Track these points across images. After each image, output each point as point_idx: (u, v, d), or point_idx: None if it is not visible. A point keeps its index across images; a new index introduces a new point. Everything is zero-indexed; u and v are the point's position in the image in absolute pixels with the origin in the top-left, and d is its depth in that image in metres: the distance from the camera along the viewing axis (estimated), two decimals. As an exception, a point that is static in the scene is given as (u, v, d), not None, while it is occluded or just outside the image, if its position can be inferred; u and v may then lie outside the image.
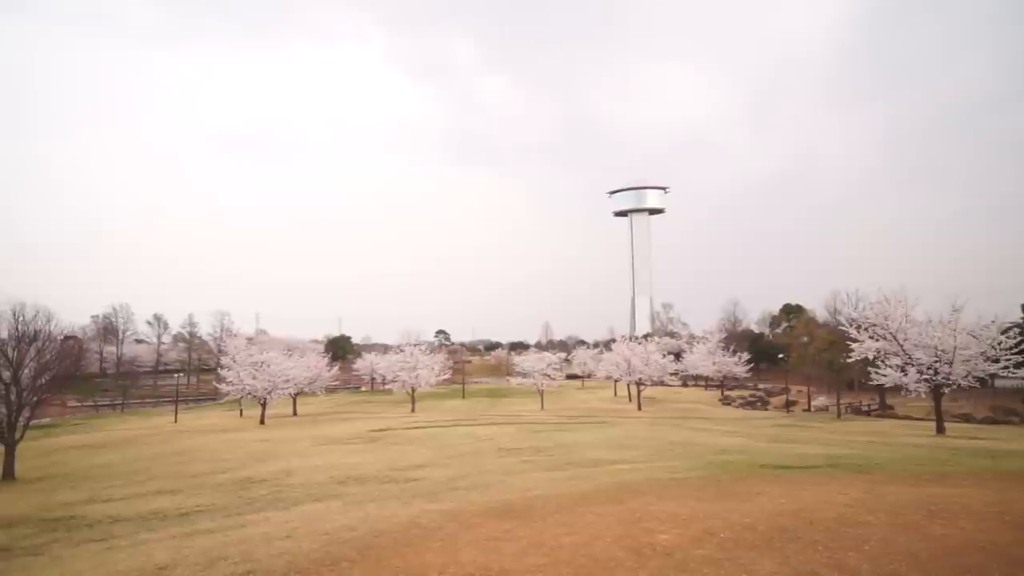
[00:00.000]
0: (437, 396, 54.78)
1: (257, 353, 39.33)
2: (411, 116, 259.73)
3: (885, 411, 40.97)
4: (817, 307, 70.07)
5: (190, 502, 11.41)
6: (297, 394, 41.47)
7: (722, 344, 58.60)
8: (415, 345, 49.14)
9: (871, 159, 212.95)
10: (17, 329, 19.45)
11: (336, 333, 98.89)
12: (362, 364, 66.05)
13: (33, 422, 20.97)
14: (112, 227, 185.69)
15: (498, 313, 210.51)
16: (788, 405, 45.72)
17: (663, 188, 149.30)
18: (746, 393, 56.02)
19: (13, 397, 18.46)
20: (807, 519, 6.02)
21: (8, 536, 9.75)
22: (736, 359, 55.59)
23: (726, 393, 56.05)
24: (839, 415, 38.21)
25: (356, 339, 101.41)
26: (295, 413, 40.93)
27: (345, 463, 15.61)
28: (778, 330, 77.38)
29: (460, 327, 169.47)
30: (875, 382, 26.05)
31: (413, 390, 44.41)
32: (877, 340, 24.57)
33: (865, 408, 42.55)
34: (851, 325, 26.55)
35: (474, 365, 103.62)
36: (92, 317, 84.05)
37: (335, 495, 10.55)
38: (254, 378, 35.89)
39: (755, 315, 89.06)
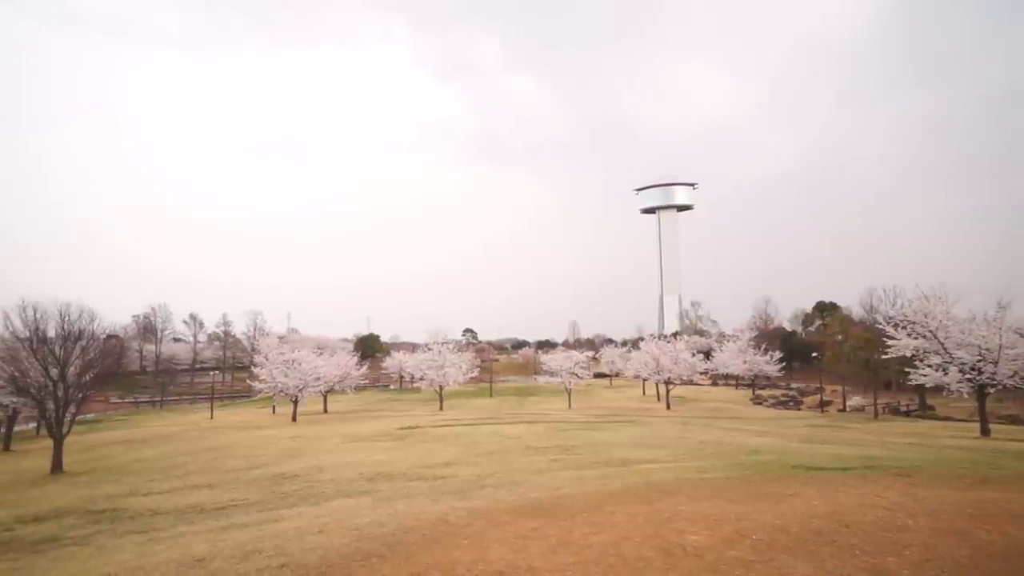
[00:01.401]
0: (465, 394, 55.08)
1: (289, 352, 40.12)
2: (437, 116, 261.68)
3: (925, 412, 39.63)
4: (852, 304, 68.36)
5: (225, 497, 11.71)
6: (328, 392, 42.17)
7: (753, 342, 57.49)
8: (443, 344, 49.49)
9: (907, 152, 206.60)
10: (63, 328, 20.23)
11: (365, 332, 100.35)
12: (391, 362, 66.84)
13: (79, 418, 21.83)
14: (150, 229, 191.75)
15: (525, 312, 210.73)
16: (822, 405, 44.62)
17: (691, 184, 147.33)
18: (778, 392, 54.87)
19: (60, 393, 19.23)
20: (843, 522, 5.87)
21: (58, 526, 10.16)
22: (768, 358, 54.47)
23: (757, 392, 55.00)
24: (876, 415, 37.13)
25: (385, 338, 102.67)
26: (326, 410, 41.65)
27: (374, 460, 15.81)
28: (811, 328, 75.64)
29: (487, 326, 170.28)
30: (914, 382, 25.22)
31: (441, 388, 44.73)
32: (916, 338, 23.78)
33: (904, 408, 41.23)
34: (888, 323, 25.76)
35: (501, 364, 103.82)
36: (133, 317, 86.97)
37: (365, 492, 10.70)
38: (286, 376, 36.61)
39: (787, 313, 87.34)
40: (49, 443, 19.53)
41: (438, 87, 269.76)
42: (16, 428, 30.49)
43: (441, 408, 41.92)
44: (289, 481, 13.24)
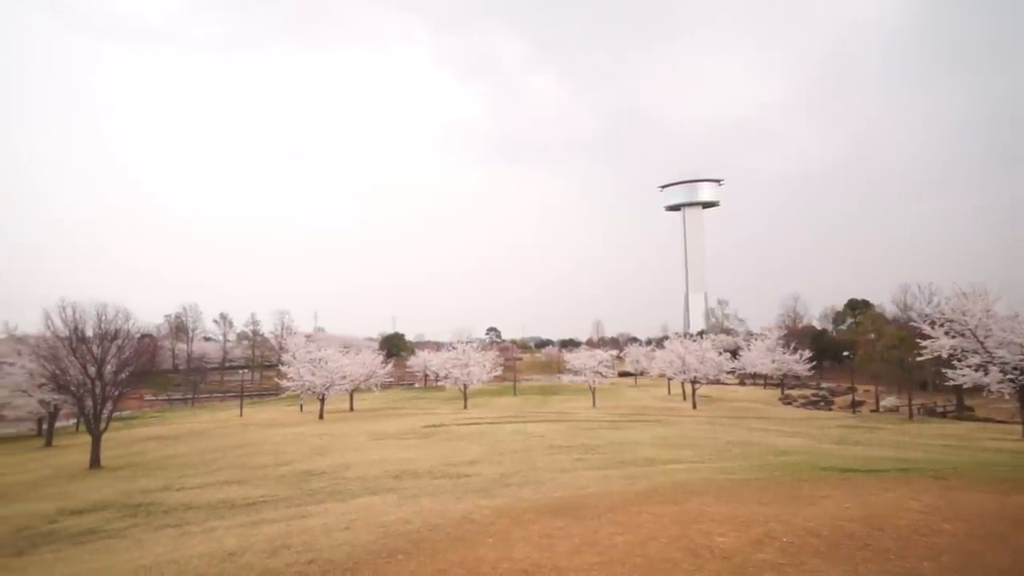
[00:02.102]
0: (489, 393, 55.24)
1: (315, 350, 40.74)
2: (459, 116, 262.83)
3: (963, 413, 38.37)
4: (885, 302, 66.59)
5: (255, 492, 11.96)
6: (353, 390, 42.69)
7: (782, 341, 56.39)
8: (467, 342, 49.68)
9: (942, 146, 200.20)
10: (100, 328, 20.91)
11: (390, 331, 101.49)
12: (415, 361, 67.38)
13: (115, 415, 22.52)
14: (181, 231, 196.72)
15: (549, 310, 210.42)
16: (854, 405, 43.53)
17: (717, 181, 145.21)
18: (808, 392, 53.72)
19: (98, 391, 19.89)
20: (876, 525, 5.72)
21: (97, 519, 10.51)
22: (797, 357, 53.36)
23: (786, 392, 53.93)
24: (911, 416, 36.09)
25: (409, 337, 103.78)
26: (352, 409, 42.19)
27: (400, 458, 15.97)
28: (842, 326, 73.97)
29: (511, 324, 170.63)
30: (952, 382, 24.45)
31: (465, 387, 44.92)
32: (954, 337, 23.05)
33: (940, 409, 39.99)
34: (924, 321, 25.02)
35: (525, 362, 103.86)
36: (165, 316, 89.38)
37: (390, 489, 10.81)
38: (313, 374, 37.18)
39: (817, 311, 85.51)
40: (88, 439, 20.19)
41: (460, 87, 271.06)
42: (57, 425, 31.61)
43: (465, 406, 42.11)
44: (316, 478, 13.46)
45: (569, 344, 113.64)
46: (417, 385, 74.10)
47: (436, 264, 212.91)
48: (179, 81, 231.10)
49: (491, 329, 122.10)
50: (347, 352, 43.65)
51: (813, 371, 55.53)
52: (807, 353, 53.65)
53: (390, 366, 49.39)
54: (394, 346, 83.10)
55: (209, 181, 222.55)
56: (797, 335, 63.95)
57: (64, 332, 20.81)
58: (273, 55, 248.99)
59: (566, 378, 49.13)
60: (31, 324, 23.98)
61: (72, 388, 20.57)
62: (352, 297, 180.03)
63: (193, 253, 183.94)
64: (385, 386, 54.11)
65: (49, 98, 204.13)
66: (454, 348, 48.72)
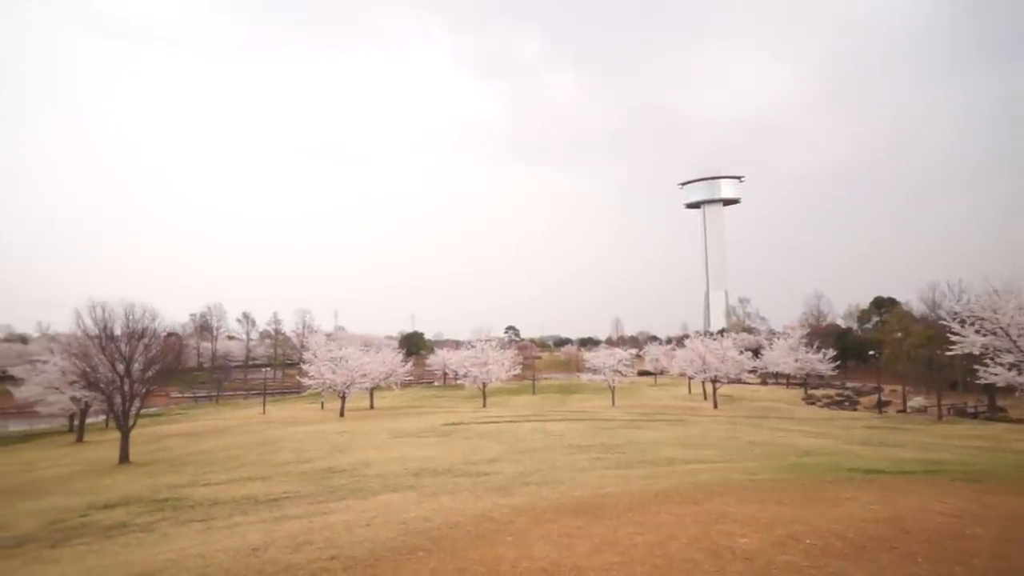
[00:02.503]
0: (508, 391, 55.30)
1: (336, 349, 41.21)
2: (476, 115, 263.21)
3: (995, 414, 37.31)
4: (912, 300, 65.09)
5: (278, 489, 12.14)
6: (374, 388, 43.08)
7: (805, 340, 55.42)
8: (486, 341, 49.80)
9: (972, 140, 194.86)
10: (128, 326, 21.41)
11: (409, 330, 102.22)
12: (435, 360, 67.71)
13: (143, 411, 23.04)
14: (201, 230, 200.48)
15: (568, 309, 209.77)
16: (880, 405, 42.65)
17: (738, 177, 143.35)
18: (832, 392, 52.71)
19: (126, 388, 20.37)
20: (903, 528, 5.60)
21: (126, 513, 10.78)
22: (820, 356, 52.40)
23: (810, 392, 53.00)
24: (940, 417, 35.23)
25: (429, 335, 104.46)
26: (372, 406, 42.58)
27: (419, 456, 16.08)
28: (868, 325, 72.47)
29: (529, 323, 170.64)
30: (983, 381, 23.78)
31: (484, 385, 45.03)
32: (985, 335, 22.41)
33: (971, 410, 38.95)
34: (953, 319, 24.38)
35: (544, 361, 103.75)
36: (190, 315, 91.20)
37: (410, 487, 10.89)
38: (333, 372, 37.60)
39: (841, 309, 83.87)
40: (117, 435, 20.70)
41: (477, 86, 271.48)
42: (88, 421, 32.46)
43: (484, 405, 42.21)
44: (337, 475, 13.61)
45: (588, 343, 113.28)
46: (436, 383, 74.47)
47: (455, 263, 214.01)
48: (205, 85, 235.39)
49: (510, 328, 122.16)
50: (367, 351, 44.08)
51: (837, 370, 54.45)
52: (831, 352, 52.68)
53: (409, 364, 49.75)
54: (413, 344, 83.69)
55: (232, 184, 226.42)
56: (821, 334, 62.80)
57: (94, 331, 21.35)
58: (292, 58, 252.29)
59: (585, 377, 48.96)
60: (63, 323, 24.76)
61: (102, 385, 21.11)
62: (371, 296, 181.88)
63: (216, 255, 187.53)
64: (404, 384, 54.43)
65: (78, 105, 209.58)
66: (473, 347, 48.89)
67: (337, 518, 7.66)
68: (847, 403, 47.00)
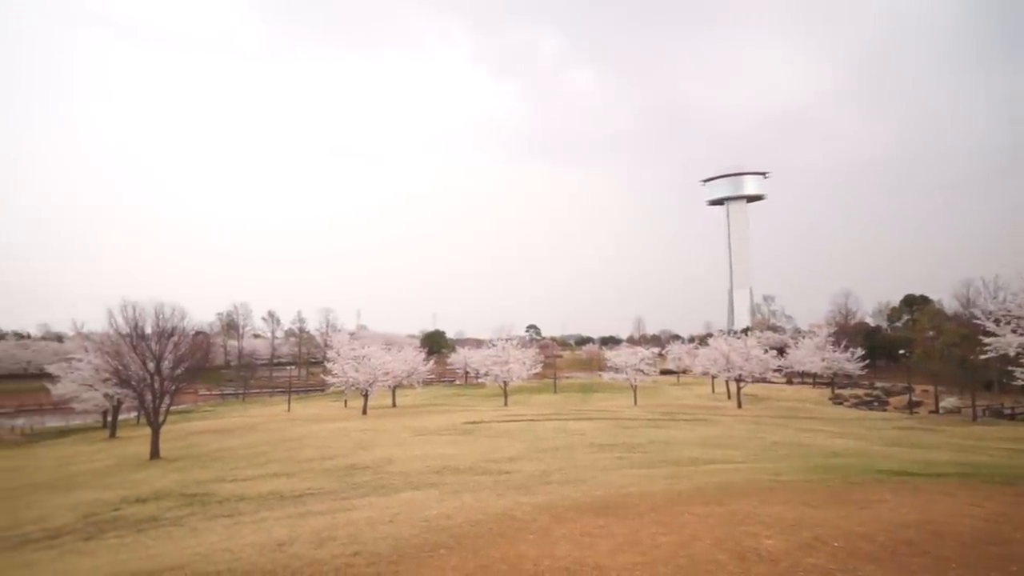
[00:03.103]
0: (529, 390, 55.29)
1: (359, 347, 41.60)
2: (498, 114, 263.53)
3: (1032, 415, 36.11)
4: (945, 297, 63.31)
5: (302, 485, 12.32)
6: (396, 386, 43.42)
7: (832, 338, 54.28)
8: (507, 340, 49.83)
9: (1003, 134, 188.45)
10: (158, 325, 21.93)
11: (431, 328, 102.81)
12: (456, 358, 67.97)
13: (172, 408, 23.58)
14: (228, 231, 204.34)
15: (589, 307, 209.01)
16: (911, 406, 41.58)
17: (762, 173, 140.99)
18: (860, 392, 51.55)
19: (156, 386, 20.87)
20: (935, 532, 5.44)
21: (157, 507, 11.05)
22: (848, 355, 51.27)
23: (837, 392, 51.90)
24: (975, 418, 34.20)
25: (450, 334, 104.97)
26: (394, 404, 42.94)
27: (441, 454, 16.16)
28: (898, 323, 70.79)
29: (551, 322, 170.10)
30: (1020, 381, 23.03)
31: (505, 384, 45.09)
32: (1022, 335, 21.71)
33: (1008, 411, 37.72)
34: (988, 318, 23.65)
35: (565, 360, 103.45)
36: (217, 314, 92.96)
37: (432, 484, 10.96)
38: (356, 371, 37.97)
39: (870, 307, 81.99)
40: (148, 431, 21.22)
41: (498, 85, 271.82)
42: (120, 417, 33.34)
43: (505, 403, 42.25)
44: (361, 472, 13.76)
45: (610, 341, 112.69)
46: (458, 382, 74.77)
47: (475, 262, 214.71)
48: (230, 89, 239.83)
49: (531, 326, 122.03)
50: (389, 349, 44.43)
51: (866, 370, 53.21)
52: (859, 351, 51.52)
53: (431, 363, 50.02)
54: (435, 343, 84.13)
55: (258, 187, 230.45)
56: (849, 332, 61.43)
57: (126, 330, 21.91)
58: (315, 60, 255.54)
59: (607, 376, 48.67)
60: (97, 322, 25.51)
61: (133, 383, 21.66)
62: (393, 295, 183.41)
63: (242, 254, 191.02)
64: (426, 383, 54.79)
65: (111, 111, 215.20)
66: (494, 345, 48.94)
67: (360, 515, 7.74)
68: (876, 403, 45.93)
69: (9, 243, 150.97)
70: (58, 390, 32.90)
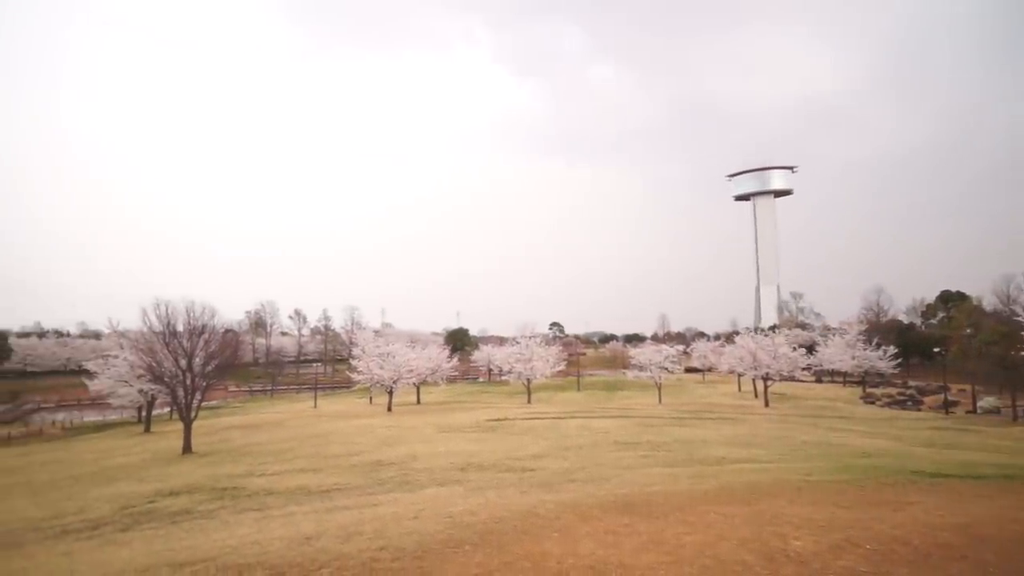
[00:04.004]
0: (552, 388, 55.22)
1: (383, 345, 42.05)
2: (519, 112, 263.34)
3: (1076, 415, 34.68)
4: (984, 294, 61.20)
5: (329, 480, 12.50)
6: (420, 384, 43.79)
7: (863, 336, 52.95)
8: (530, 337, 49.81)
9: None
10: (189, 323, 22.48)
11: (455, 326, 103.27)
12: (479, 356, 68.20)
13: (203, 404, 24.16)
14: (258, 231, 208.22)
15: (612, 305, 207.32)
16: (947, 405, 40.32)
17: (790, 168, 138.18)
18: (893, 391, 50.23)
19: (188, 382, 21.40)
20: (974, 536, 5.27)
21: (189, 501, 11.33)
22: (880, 353, 49.98)
23: (868, 391, 50.65)
24: (1015, 418, 33.03)
25: (473, 331, 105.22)
26: (418, 401, 43.31)
27: (465, 451, 16.23)
28: (933, 321, 68.70)
29: (574, 319, 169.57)
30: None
31: (529, 381, 45.09)
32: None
33: (1050, 411, 36.32)
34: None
35: (589, 357, 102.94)
36: (246, 312, 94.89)
37: (456, 481, 11.01)
38: (381, 368, 38.37)
39: (903, 304, 79.75)
40: (181, 426, 21.78)
41: (519, 83, 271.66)
42: (154, 413, 34.31)
43: (529, 401, 42.27)
44: (386, 468, 13.90)
45: (634, 339, 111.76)
46: (481, 379, 75.05)
47: (499, 260, 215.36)
48: (259, 91, 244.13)
49: (554, 324, 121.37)
50: (413, 346, 44.80)
51: (899, 368, 51.83)
52: (892, 349, 50.16)
53: (455, 360, 50.29)
54: (458, 341, 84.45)
55: (285, 188, 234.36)
56: (881, 329, 59.89)
57: (158, 328, 22.51)
58: (340, 63, 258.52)
59: (631, 374, 48.33)
60: (131, 320, 26.23)
61: (166, 379, 22.26)
62: (417, 293, 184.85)
63: (270, 253, 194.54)
64: (450, 380, 55.11)
65: (144, 116, 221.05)
66: (517, 343, 48.98)
67: (386, 510, 7.82)
68: (910, 403, 44.70)
69: (56, 242, 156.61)
70: (95, 386, 34.00)
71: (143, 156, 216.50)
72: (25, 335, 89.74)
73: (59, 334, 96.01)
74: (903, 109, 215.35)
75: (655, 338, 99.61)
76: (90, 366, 35.12)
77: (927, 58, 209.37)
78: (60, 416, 47.82)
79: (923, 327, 68.85)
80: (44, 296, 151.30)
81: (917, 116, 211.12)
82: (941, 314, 67.37)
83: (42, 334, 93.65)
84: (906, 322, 72.24)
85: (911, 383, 54.19)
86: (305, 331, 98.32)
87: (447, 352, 49.32)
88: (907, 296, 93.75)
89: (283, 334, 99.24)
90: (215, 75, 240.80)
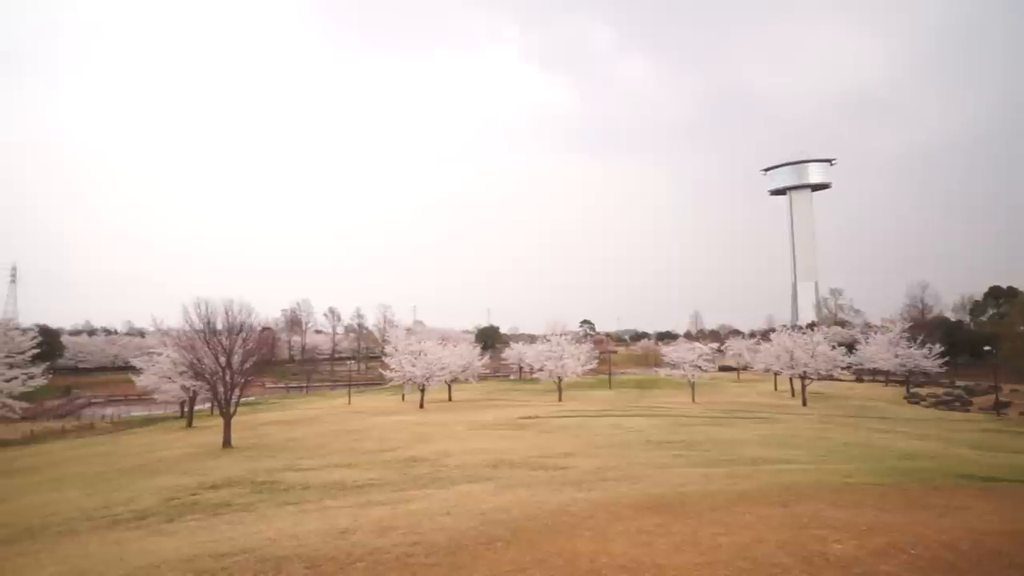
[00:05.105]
0: (583, 386, 54.94)
1: (415, 343, 42.51)
2: (549, 108, 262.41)
3: None
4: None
5: (364, 476, 12.71)
6: (452, 381, 44.12)
7: (907, 334, 51.08)
8: (561, 335, 49.66)
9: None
10: (228, 321, 23.12)
11: (485, 323, 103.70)
12: (510, 353, 68.36)
13: (242, 400, 24.84)
14: (293, 231, 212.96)
15: (644, 302, 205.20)
16: (998, 406, 38.60)
17: (828, 161, 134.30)
18: (939, 391, 48.29)
19: (228, 378, 22.03)
20: (1028, 542, 5.04)
21: (229, 494, 11.67)
22: (925, 351, 48.12)
23: (913, 390, 48.86)
24: (1071, 420, 31.44)
25: (504, 329, 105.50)
26: (450, 399, 43.64)
27: (496, 448, 16.29)
28: (983, 317, 65.89)
29: (605, 317, 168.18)
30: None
31: (559, 379, 44.98)
32: None
33: (1110, 413, 34.47)
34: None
35: (620, 355, 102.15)
36: (282, 311, 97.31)
37: (488, 478, 11.07)
38: (413, 365, 38.81)
39: (950, 300, 76.71)
40: (220, 421, 22.44)
41: (549, 80, 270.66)
42: (196, 408, 35.46)
43: (560, 399, 42.16)
44: (419, 464, 14.06)
45: (666, 337, 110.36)
46: (512, 377, 75.20)
47: (529, 257, 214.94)
48: (292, 93, 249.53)
49: (585, 322, 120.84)
50: (445, 344, 45.16)
51: (945, 367, 49.83)
52: (938, 347, 48.25)
53: (486, 358, 50.53)
54: (489, 338, 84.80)
55: (321, 189, 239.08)
56: (926, 327, 57.65)
57: (199, 325, 23.22)
58: (372, 64, 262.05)
59: (663, 372, 47.73)
60: (174, 318, 27.13)
61: (207, 375, 22.96)
62: (448, 291, 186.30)
63: (303, 253, 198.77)
64: (481, 377, 55.35)
65: (192, 121, 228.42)
66: (548, 340, 48.89)
67: (419, 506, 7.91)
68: (958, 403, 42.93)
69: (106, 245, 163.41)
70: (141, 382, 35.32)
71: (187, 164, 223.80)
72: (76, 333, 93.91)
73: (107, 332, 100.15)
74: (951, 98, 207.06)
75: (688, 336, 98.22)
76: (136, 363, 36.50)
77: (974, 45, 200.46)
78: (109, 411, 49.87)
79: (972, 324, 66.08)
80: (95, 296, 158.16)
81: (962, 105, 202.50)
82: (991, 311, 64.65)
83: (92, 332, 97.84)
84: (953, 319, 69.45)
85: (959, 383, 52.04)
86: (339, 329, 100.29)
87: (478, 350, 49.53)
88: (953, 292, 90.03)
89: (318, 332, 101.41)
90: (257, 81, 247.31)
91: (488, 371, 64.07)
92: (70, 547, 7.73)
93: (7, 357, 27.74)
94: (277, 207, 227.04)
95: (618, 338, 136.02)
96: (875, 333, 55.68)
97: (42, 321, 73.60)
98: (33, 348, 30.09)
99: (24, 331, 32.03)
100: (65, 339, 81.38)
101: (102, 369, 79.41)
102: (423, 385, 38.84)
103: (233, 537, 6.94)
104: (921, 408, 41.05)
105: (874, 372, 57.80)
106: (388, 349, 43.19)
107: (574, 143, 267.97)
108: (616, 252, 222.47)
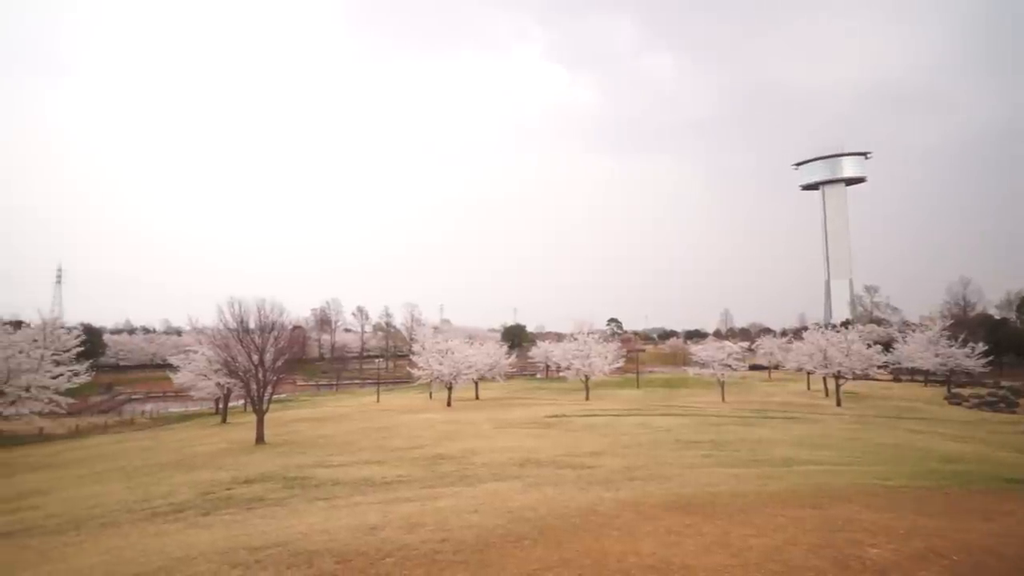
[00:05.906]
0: (610, 385, 54.57)
1: (442, 341, 42.81)
2: (574, 107, 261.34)
3: None
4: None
5: (392, 473, 12.87)
6: (479, 379, 44.31)
7: (948, 332, 49.31)
8: (588, 333, 49.41)
9: None
10: (260, 320, 23.65)
11: (512, 322, 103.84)
12: (537, 352, 68.28)
13: (274, 397, 25.40)
14: (322, 230, 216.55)
15: (672, 300, 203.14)
16: (1045, 407, 37.01)
17: (863, 154, 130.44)
18: (983, 391, 46.48)
19: (260, 376, 22.54)
20: (1079, 550, 4.83)
21: (263, 489, 11.94)
22: (967, 350, 46.37)
23: (954, 391, 47.16)
24: (1126, 422, 29.95)
25: (530, 327, 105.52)
26: (477, 397, 43.84)
27: (523, 446, 16.30)
28: (1029, 315, 63.21)
29: (632, 315, 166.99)
30: None
31: (587, 378, 44.76)
32: None
33: None
34: None
35: (648, 354, 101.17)
36: (312, 310, 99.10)
37: (515, 476, 11.09)
38: (440, 364, 39.09)
39: (994, 297, 73.80)
40: (254, 418, 22.98)
41: (574, 78, 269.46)
42: (230, 405, 36.40)
43: (587, 398, 41.96)
44: (446, 462, 14.16)
45: (695, 335, 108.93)
46: (539, 375, 75.12)
47: (557, 255, 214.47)
48: (322, 93, 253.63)
49: (612, 320, 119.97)
50: (472, 343, 45.36)
51: (989, 367, 47.92)
52: (981, 346, 46.45)
53: (512, 356, 50.58)
54: (516, 337, 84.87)
55: (348, 189, 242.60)
56: (968, 325, 55.57)
57: (232, 324, 23.81)
58: (399, 65, 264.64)
59: (692, 371, 47.05)
60: (209, 317, 27.89)
61: (240, 373, 23.53)
62: (475, 289, 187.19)
63: (332, 252, 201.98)
64: (508, 376, 55.42)
65: (223, 128, 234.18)
66: (575, 339, 48.68)
67: (447, 503, 7.97)
68: (1003, 404, 41.28)
69: (145, 247, 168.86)
70: (178, 379, 36.42)
71: (217, 169, 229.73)
72: (117, 332, 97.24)
73: (146, 331, 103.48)
74: (987, 88, 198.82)
75: (717, 334, 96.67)
76: (173, 360, 37.64)
77: (1014, 32, 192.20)
78: (148, 407, 51.59)
79: (1018, 322, 63.48)
80: (133, 296, 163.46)
81: (1002, 95, 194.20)
82: (1039, 308, 61.97)
83: (131, 331, 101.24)
84: (998, 316, 66.83)
85: (1004, 383, 50.04)
86: (368, 328, 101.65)
87: (505, 348, 49.59)
88: (998, 289, 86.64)
89: (347, 331, 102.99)
90: (286, 83, 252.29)
91: (515, 370, 64.12)
92: (112, 538, 8.02)
93: (54, 355, 28.87)
94: (308, 207, 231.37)
95: (646, 337, 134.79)
96: (913, 331, 53.93)
97: (85, 320, 76.56)
98: (77, 346, 31.24)
99: (69, 330, 33.27)
100: (107, 338, 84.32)
101: (141, 367, 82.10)
102: (450, 383, 39.09)
103: (266, 531, 7.10)
104: (963, 409, 39.61)
105: (912, 372, 55.99)
106: (416, 348, 43.58)
107: (601, 140, 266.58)
108: (643, 251, 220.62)
